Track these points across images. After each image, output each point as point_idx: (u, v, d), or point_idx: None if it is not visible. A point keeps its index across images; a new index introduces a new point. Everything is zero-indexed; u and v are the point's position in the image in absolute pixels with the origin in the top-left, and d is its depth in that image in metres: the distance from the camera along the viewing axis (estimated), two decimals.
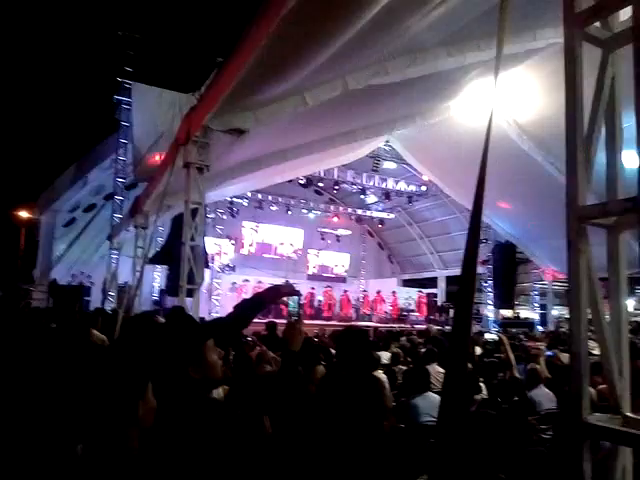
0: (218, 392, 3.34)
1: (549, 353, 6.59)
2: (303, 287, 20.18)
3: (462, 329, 1.27)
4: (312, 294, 19.85)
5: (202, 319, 6.19)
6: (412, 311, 20.64)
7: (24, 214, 17.73)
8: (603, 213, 1.41)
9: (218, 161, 6.78)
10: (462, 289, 1.37)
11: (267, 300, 2.14)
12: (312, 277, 21.88)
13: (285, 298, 2.20)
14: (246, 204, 18.69)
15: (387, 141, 12.67)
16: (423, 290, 21.43)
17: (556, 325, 17.14)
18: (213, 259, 17.49)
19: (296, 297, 2.21)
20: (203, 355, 1.61)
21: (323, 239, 21.95)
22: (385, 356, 6.71)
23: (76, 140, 17.09)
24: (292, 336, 1.84)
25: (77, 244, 11.84)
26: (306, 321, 17.37)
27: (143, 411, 1.23)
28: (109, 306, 12.23)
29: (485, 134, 1.37)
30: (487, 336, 10.10)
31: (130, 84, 11.93)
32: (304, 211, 20.36)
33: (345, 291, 20.64)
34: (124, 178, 12.97)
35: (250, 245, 20.62)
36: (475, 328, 14.08)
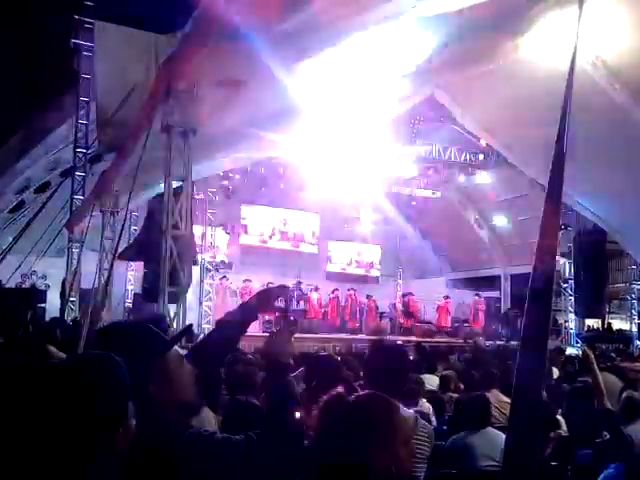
0: (209, 420, 3.42)
1: None
2: (322, 290, 20.24)
3: (535, 345, 1.26)
4: (336, 299, 19.87)
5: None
6: (466, 321, 20.55)
7: None
8: None
9: (208, 123, 6.81)
10: (535, 292, 1.36)
11: (257, 309, 2.19)
12: (333, 276, 21.92)
13: (278, 301, 2.26)
14: (245, 181, 18.74)
15: (432, 94, 12.53)
16: (481, 293, 21.31)
17: None
18: (203, 253, 17.62)
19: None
20: (166, 371, 1.67)
21: (348, 225, 21.92)
22: (431, 380, 6.72)
23: (22, 99, 17.26)
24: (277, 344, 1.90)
25: (27, 235, 12.03)
26: (327, 335, 17.30)
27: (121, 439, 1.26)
28: (70, 315, 12.45)
29: (566, 82, 1.35)
30: (568, 351, 10.03)
31: (92, 24, 12.01)
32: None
33: (368, 296, 20.65)
34: (86, 148, 13.10)
35: (271, 236, 20.71)
36: (552, 344, 13.96)
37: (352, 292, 20.34)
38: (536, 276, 1.40)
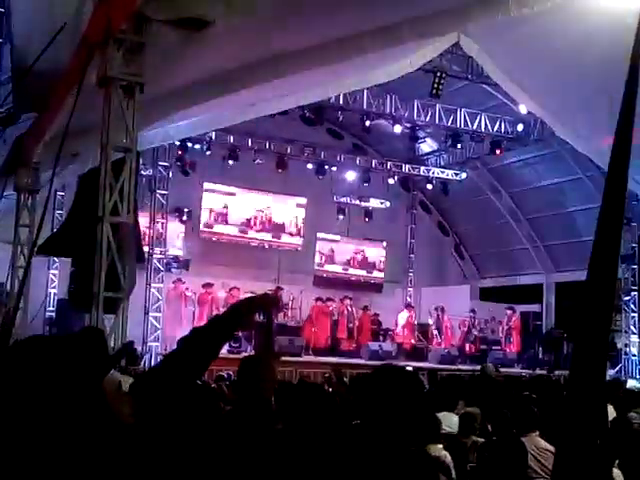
0: None
1: None
2: (310, 298, 20.25)
3: (590, 375, 1.26)
4: (328, 312, 19.92)
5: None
6: (496, 342, 20.64)
7: None
8: None
9: (160, 76, 6.77)
10: (589, 306, 1.36)
11: (233, 324, 2.16)
12: (323, 281, 21.98)
13: (259, 316, 2.24)
14: (208, 153, 18.69)
15: (456, 43, 12.55)
16: (515, 307, 21.39)
17: None
18: (152, 248, 17.59)
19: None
20: (104, 401, 1.67)
21: (343, 215, 21.95)
22: (449, 420, 6.77)
23: None
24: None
25: None
26: (313, 358, 17.35)
27: None
28: None
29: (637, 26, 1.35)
30: (629, 384, 10.08)
31: None
32: (309, 166, 20.33)
33: (365, 308, 20.71)
34: None
35: (252, 227, 20.85)
36: (608, 374, 14.05)
37: (347, 302, 20.37)
38: (592, 285, 1.40)
